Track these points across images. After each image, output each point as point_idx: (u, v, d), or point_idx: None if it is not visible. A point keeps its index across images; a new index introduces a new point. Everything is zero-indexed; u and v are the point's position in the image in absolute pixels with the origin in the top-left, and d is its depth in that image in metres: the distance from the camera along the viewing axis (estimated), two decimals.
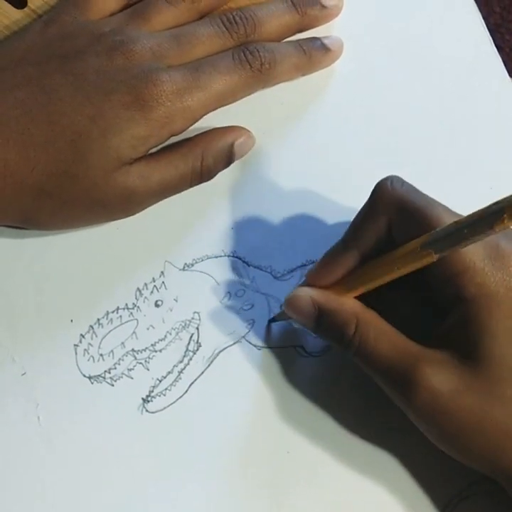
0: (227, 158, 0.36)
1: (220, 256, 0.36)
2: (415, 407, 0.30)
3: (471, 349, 0.30)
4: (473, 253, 0.30)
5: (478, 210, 0.27)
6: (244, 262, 0.36)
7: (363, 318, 0.31)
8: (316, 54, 0.38)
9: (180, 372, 0.35)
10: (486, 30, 0.42)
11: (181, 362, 0.35)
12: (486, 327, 0.29)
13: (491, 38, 0.42)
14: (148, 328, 0.35)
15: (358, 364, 0.32)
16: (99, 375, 0.34)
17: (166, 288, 0.36)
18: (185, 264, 0.36)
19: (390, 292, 0.32)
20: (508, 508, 0.33)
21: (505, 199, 0.26)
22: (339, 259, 0.32)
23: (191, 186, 0.36)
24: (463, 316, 0.30)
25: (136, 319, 0.35)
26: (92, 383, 0.34)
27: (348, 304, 0.32)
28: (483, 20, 0.42)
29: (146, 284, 0.36)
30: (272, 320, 0.36)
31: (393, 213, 0.31)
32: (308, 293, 0.32)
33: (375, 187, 0.32)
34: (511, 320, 0.30)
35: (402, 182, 0.32)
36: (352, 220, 0.33)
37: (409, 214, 0.31)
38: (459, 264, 0.30)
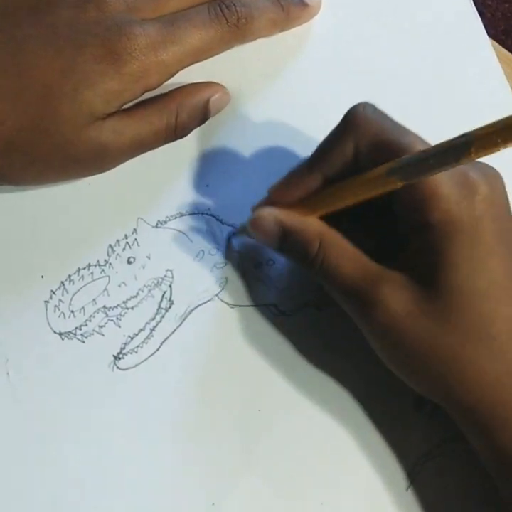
0: (203, 115, 0.36)
1: (194, 214, 0.36)
2: (372, 326, 0.31)
3: (430, 275, 0.30)
4: (442, 180, 0.30)
5: (446, 141, 0.27)
6: (218, 219, 0.36)
7: (327, 238, 0.32)
8: (294, 9, 0.37)
9: (153, 329, 0.34)
10: None
11: (153, 319, 0.35)
12: (447, 255, 0.30)
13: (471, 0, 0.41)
14: (120, 285, 0.35)
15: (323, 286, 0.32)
16: (69, 332, 0.34)
17: (138, 245, 0.35)
18: (159, 221, 0.36)
19: (355, 222, 0.33)
20: (473, 468, 0.34)
21: (473, 132, 0.25)
22: (303, 179, 0.32)
23: (166, 143, 0.35)
24: (425, 242, 0.30)
25: (108, 276, 0.35)
26: (63, 339, 0.34)
27: (312, 223, 0.32)
28: None
29: (118, 241, 0.35)
30: (232, 234, 0.36)
31: (362, 138, 0.31)
32: (272, 213, 0.33)
33: (347, 112, 0.32)
34: (472, 249, 0.30)
35: (374, 108, 0.32)
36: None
37: (379, 140, 0.31)
38: (426, 189, 0.30)
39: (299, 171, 0.33)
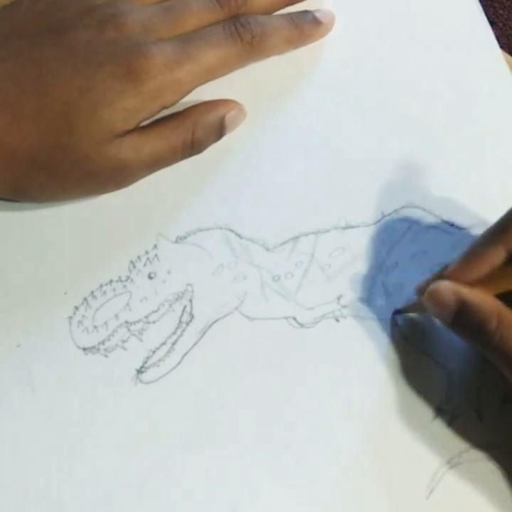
0: (219, 131, 0.36)
1: (213, 228, 0.36)
2: None
3: None
4: None
5: None
6: (236, 234, 0.36)
7: (505, 316, 0.30)
8: (308, 27, 0.38)
9: (174, 343, 0.35)
10: (478, 4, 0.42)
11: (174, 333, 0.35)
12: None
13: (482, 11, 0.42)
14: (141, 300, 0.35)
15: (487, 358, 0.31)
16: (93, 347, 0.34)
17: (158, 260, 0.36)
18: (178, 236, 0.36)
19: None
20: (493, 476, 0.34)
21: None
22: (484, 255, 0.31)
23: (182, 159, 0.36)
24: None
25: (130, 291, 0.35)
26: (86, 355, 0.34)
27: (489, 300, 0.31)
28: None
29: (139, 257, 0.36)
30: (396, 312, 0.35)
31: None
32: (450, 286, 0.31)
33: None
34: None
35: None
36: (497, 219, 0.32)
37: None
38: None
39: (478, 246, 0.32)
